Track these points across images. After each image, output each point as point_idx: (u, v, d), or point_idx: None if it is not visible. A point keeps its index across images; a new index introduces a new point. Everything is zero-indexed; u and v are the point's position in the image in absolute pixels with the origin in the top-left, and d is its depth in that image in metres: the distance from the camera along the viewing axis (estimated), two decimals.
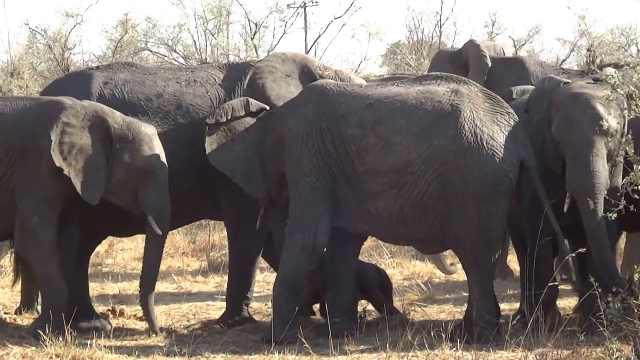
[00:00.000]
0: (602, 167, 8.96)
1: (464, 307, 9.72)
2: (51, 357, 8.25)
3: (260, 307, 10.89)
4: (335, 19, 18.32)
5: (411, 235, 9.18)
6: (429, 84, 9.20)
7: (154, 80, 10.00)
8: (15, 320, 10.13)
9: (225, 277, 13.12)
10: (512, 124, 9.00)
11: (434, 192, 8.87)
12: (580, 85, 9.39)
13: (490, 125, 8.90)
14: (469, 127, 8.84)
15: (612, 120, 9.01)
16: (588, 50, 17.13)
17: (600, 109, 9.02)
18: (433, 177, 8.85)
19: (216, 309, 10.91)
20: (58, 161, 9.03)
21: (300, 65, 10.04)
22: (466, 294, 9.80)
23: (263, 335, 9.17)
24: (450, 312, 10.59)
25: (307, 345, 8.75)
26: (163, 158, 9.40)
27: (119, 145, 9.30)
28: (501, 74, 12.19)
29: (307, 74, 9.97)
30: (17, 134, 9.12)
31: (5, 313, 10.27)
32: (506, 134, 8.92)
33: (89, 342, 8.65)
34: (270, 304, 10.69)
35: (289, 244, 9.13)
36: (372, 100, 9.06)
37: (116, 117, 9.36)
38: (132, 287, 10.71)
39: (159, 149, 9.41)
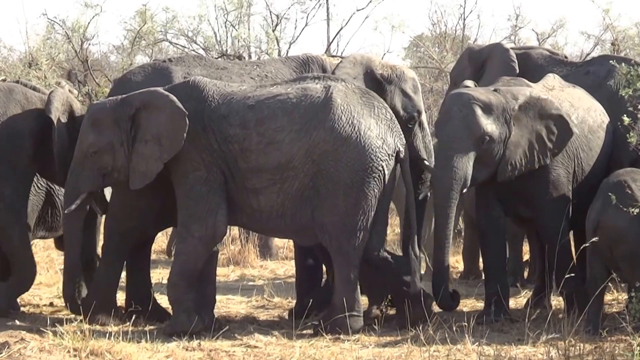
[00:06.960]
0: (462, 165, 9.29)
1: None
2: (69, 351, 8.18)
3: (280, 302, 10.82)
4: (358, 10, 18.16)
5: (288, 228, 9.35)
6: (307, 83, 9.40)
7: (230, 76, 10.02)
8: (32, 313, 10.10)
9: (245, 271, 13.13)
10: (389, 117, 9.27)
11: (309, 182, 9.10)
12: (473, 89, 9.74)
13: (367, 118, 9.16)
14: (346, 119, 9.10)
15: (489, 126, 9.35)
16: (612, 44, 17.02)
17: (478, 111, 9.33)
18: (311, 167, 9.09)
19: (236, 303, 10.87)
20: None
21: (365, 66, 10.26)
22: None
23: (170, 329, 9.11)
24: (473, 306, 10.53)
25: (327, 339, 8.70)
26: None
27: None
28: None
29: (369, 74, 10.23)
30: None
31: (22, 306, 10.24)
32: (382, 126, 9.19)
33: (107, 335, 8.61)
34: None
35: (186, 235, 9.23)
36: (253, 101, 9.23)
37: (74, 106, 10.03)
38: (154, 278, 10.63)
39: None
